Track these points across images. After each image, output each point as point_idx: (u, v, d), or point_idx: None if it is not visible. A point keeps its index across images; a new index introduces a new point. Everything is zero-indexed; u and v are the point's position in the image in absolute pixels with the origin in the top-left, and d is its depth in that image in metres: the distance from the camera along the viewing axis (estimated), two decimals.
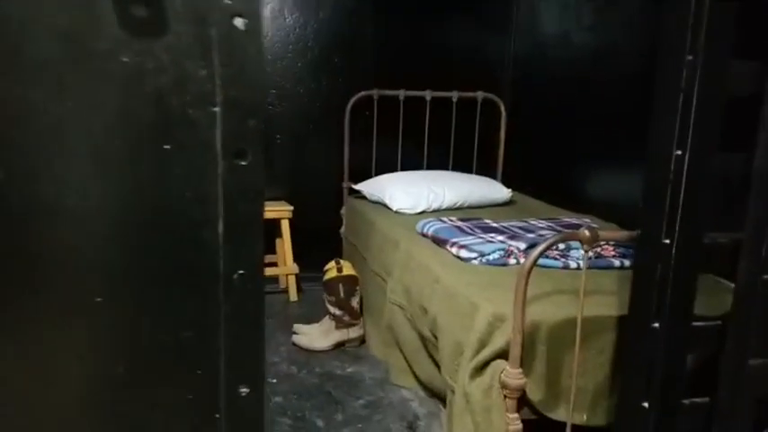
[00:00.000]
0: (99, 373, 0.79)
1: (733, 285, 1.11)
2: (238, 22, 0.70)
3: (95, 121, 0.71)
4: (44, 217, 0.73)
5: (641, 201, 0.99)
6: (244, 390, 0.84)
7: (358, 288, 2.62)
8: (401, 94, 3.04)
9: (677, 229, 0.94)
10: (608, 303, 1.63)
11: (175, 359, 0.81)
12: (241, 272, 0.79)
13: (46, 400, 0.78)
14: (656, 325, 0.98)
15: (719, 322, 1.02)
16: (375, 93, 3.02)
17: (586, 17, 2.73)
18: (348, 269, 2.62)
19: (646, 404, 1.01)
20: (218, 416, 0.84)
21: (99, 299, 0.77)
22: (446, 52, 3.13)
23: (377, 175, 3.03)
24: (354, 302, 2.61)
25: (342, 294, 2.57)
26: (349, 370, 2.47)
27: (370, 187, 2.92)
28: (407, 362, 2.25)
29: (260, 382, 0.85)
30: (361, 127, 3.06)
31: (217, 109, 0.73)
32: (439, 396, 2.09)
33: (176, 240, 0.77)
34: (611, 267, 1.93)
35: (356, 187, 2.99)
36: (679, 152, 0.87)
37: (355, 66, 3.03)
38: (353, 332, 2.62)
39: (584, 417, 1.56)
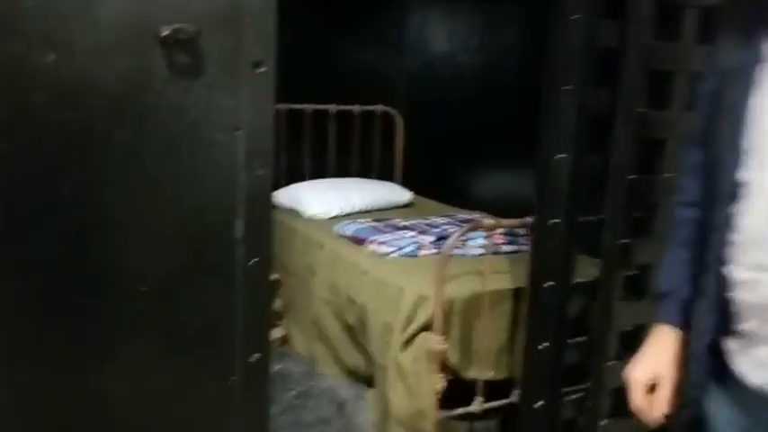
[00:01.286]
0: (140, 351, 0.98)
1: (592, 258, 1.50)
2: (259, 68, 0.94)
3: (145, 145, 0.91)
4: (102, 224, 0.91)
5: (535, 193, 1.34)
6: (255, 356, 1.06)
7: (279, 291, 2.82)
8: (308, 108, 3.29)
9: (562, 212, 1.30)
10: (504, 279, 2.01)
11: (202, 335, 1.02)
12: (256, 259, 1.02)
13: (101, 371, 0.95)
14: (551, 283, 1.33)
15: (592, 279, 1.40)
16: (283, 107, 3.24)
17: (471, 41, 3.15)
18: None
19: (546, 344, 1.36)
20: (234, 378, 1.05)
21: (144, 288, 0.96)
22: (348, 68, 3.42)
23: (286, 184, 3.24)
24: (276, 305, 2.81)
25: None
26: (276, 367, 2.65)
27: (282, 196, 3.12)
28: (333, 353, 2.49)
29: (267, 349, 1.08)
30: None
31: (240, 132, 0.96)
32: (364, 380, 2.36)
33: (206, 237, 0.98)
34: (500, 252, 2.32)
35: None
36: (562, 155, 1.23)
37: None
38: (276, 333, 2.81)
39: (492, 372, 1.91)
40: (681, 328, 0.99)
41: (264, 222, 1.01)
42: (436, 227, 2.58)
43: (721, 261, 0.88)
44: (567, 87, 1.22)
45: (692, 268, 0.98)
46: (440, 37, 3.42)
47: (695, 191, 0.98)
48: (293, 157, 3.31)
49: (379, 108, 3.49)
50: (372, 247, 2.34)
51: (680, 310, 0.99)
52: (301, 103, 3.27)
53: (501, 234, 2.43)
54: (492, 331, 1.92)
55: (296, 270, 2.77)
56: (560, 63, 1.20)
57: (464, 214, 2.89)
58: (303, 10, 3.28)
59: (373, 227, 2.55)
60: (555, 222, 1.31)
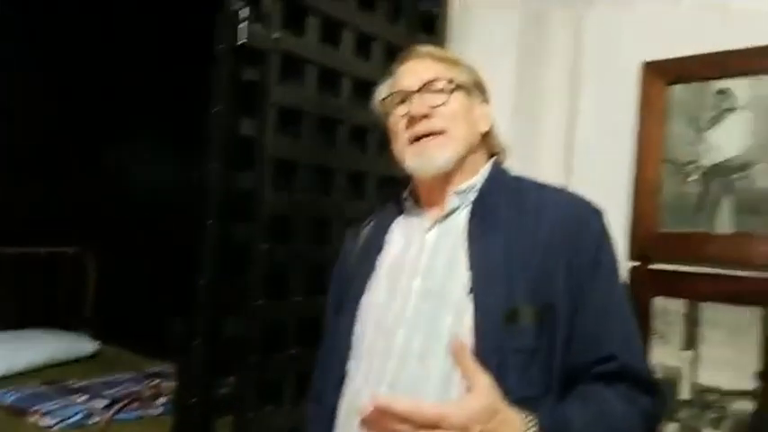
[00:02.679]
0: None
1: None
2: None
3: None
4: None
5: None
6: None
7: None
8: None
9: (198, 386, 1.41)
10: None
11: None
12: None
13: None
14: (194, 400, 1.40)
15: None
16: None
17: (169, 181, 3.22)
18: None
19: None
20: None
21: None
22: (35, 206, 3.17)
23: None
24: None
25: None
26: None
27: None
28: None
29: None
30: None
31: None
32: None
33: None
34: None
35: None
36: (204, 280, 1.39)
37: None
38: None
39: None
40: None
41: None
42: (117, 385, 2.46)
43: None
44: (203, 280, 1.39)
45: None
46: (137, 176, 3.43)
47: (319, 388, 1.11)
48: None
49: (69, 250, 3.29)
50: (35, 418, 2.12)
51: None
52: None
53: None
54: None
55: None
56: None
57: (157, 367, 2.81)
58: None
59: (39, 393, 2.32)
60: (193, 401, 1.39)
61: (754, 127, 1.43)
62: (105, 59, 3.34)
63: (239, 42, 1.41)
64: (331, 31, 1.62)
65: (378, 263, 1.06)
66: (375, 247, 1.08)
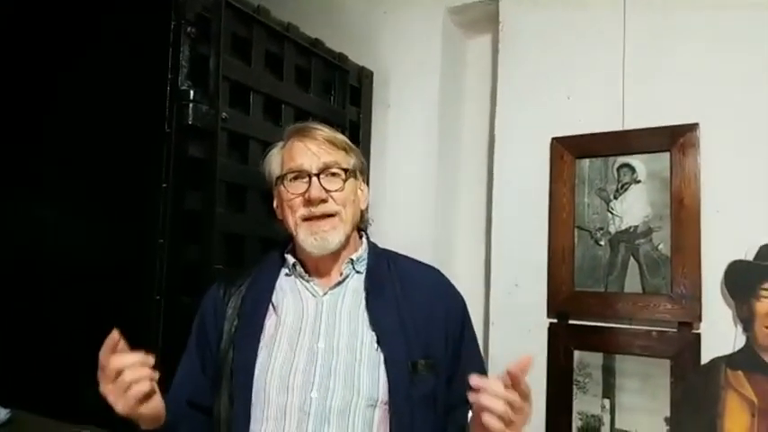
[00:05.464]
0: None
1: None
2: None
3: None
4: None
5: None
6: None
7: None
8: None
9: None
10: None
11: None
12: None
13: None
14: None
15: None
16: None
17: (72, 237, 3.06)
18: None
19: None
20: None
21: None
22: None
23: None
24: None
25: None
26: None
27: None
28: None
29: None
30: None
31: None
32: None
33: None
34: None
35: None
36: None
37: None
38: None
39: None
40: None
41: None
42: None
43: None
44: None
45: None
46: (35, 227, 3.21)
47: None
48: None
49: None
50: None
51: None
52: None
53: None
54: None
55: None
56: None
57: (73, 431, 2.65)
58: None
59: None
60: None
61: (651, 198, 1.64)
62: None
63: (189, 122, 1.44)
64: (272, 107, 1.69)
65: (266, 325, 1.10)
66: (261, 308, 1.12)
